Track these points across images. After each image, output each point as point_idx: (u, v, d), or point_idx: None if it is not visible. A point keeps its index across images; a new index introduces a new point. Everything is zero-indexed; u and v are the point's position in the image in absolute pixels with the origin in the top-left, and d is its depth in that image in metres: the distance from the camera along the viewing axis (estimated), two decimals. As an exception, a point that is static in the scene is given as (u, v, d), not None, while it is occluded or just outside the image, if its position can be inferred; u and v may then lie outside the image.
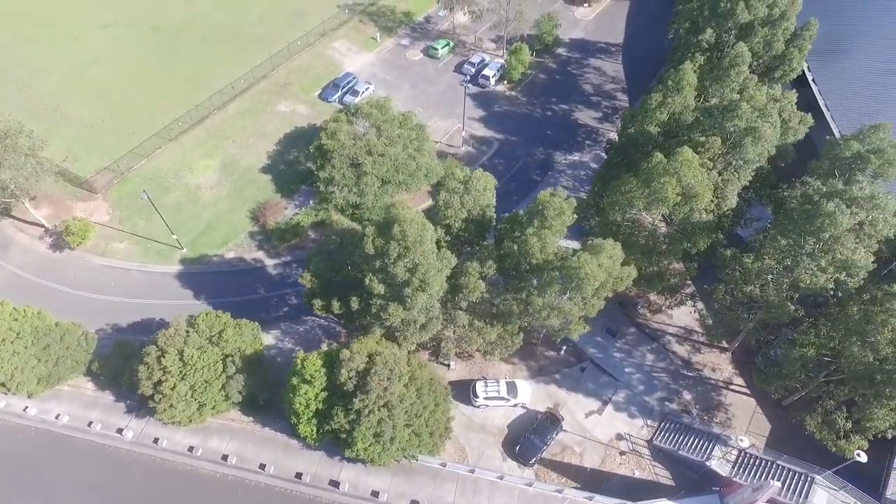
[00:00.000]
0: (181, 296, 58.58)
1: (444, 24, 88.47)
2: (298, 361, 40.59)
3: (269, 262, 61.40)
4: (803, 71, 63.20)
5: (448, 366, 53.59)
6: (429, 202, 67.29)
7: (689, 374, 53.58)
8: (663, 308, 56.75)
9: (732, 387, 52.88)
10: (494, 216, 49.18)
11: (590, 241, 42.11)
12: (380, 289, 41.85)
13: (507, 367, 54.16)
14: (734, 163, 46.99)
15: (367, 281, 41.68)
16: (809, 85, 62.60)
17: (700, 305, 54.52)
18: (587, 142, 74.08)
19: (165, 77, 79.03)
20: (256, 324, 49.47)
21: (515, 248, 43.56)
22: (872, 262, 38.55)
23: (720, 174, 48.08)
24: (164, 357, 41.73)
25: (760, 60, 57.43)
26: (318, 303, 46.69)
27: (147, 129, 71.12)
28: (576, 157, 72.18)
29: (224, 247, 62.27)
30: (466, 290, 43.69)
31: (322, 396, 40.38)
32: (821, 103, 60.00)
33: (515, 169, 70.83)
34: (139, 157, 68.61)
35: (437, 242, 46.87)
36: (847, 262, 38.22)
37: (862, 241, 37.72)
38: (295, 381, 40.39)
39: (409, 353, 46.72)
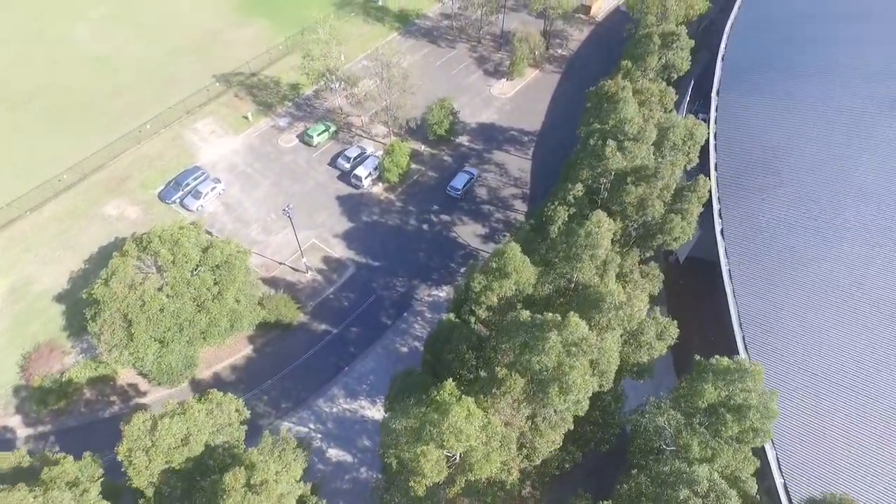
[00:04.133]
0: None
1: (333, 102, 75.85)
2: None
3: (23, 434, 49.72)
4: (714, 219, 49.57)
5: None
6: (247, 350, 55.21)
7: None
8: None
9: None
10: (242, 448, 36.67)
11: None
12: None
13: None
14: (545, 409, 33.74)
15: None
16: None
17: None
18: (462, 270, 60.88)
19: (-7, 161, 68.19)
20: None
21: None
22: None
23: (531, 417, 34.84)
24: None
25: (637, 226, 43.65)
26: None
27: (-58, 234, 60.43)
28: (442, 292, 59.04)
29: (-26, 407, 50.92)
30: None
31: None
32: (724, 273, 45.96)
33: (365, 306, 58.02)
34: (-85, 274, 57.82)
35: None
36: None
37: None
38: None
39: None
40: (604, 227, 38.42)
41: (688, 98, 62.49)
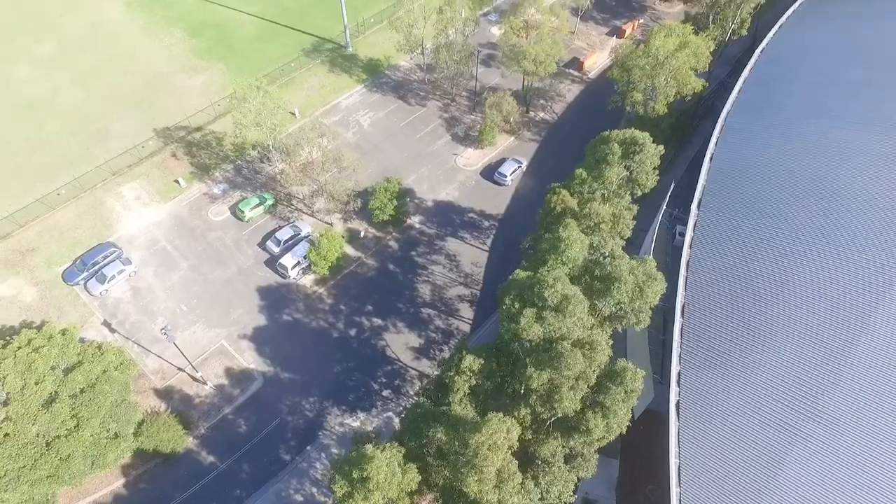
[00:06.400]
0: None
1: (273, 169, 67.59)
2: None
3: None
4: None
5: None
6: (117, 484, 47.55)
7: None
8: None
9: None
10: None
11: None
12: None
13: None
14: None
15: None
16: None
17: None
18: (385, 392, 52.34)
19: None
20: None
21: None
22: None
23: None
24: None
25: (547, 417, 34.22)
26: None
27: None
28: (357, 420, 50.56)
29: None
30: None
31: None
32: (672, 471, 36.32)
33: (265, 433, 49.87)
34: None
35: None
36: None
37: None
38: None
39: None
40: (499, 437, 29.37)
41: (666, 202, 52.43)
